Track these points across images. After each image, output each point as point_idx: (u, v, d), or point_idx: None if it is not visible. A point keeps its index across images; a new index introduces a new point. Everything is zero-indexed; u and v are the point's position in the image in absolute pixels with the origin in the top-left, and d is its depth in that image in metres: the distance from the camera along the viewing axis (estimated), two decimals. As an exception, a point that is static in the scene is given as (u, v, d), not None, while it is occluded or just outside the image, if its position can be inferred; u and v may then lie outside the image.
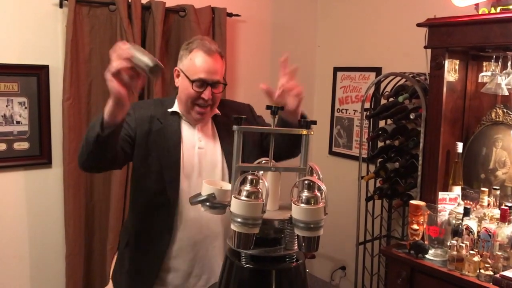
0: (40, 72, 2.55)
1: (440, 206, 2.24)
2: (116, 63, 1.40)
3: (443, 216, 2.14)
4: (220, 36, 2.99)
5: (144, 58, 1.38)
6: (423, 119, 2.48)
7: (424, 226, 2.19)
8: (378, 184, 2.93)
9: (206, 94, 1.68)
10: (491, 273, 1.94)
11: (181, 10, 2.86)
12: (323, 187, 1.23)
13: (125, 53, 1.38)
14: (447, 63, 2.32)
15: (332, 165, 3.59)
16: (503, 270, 1.94)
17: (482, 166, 2.42)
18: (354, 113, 3.47)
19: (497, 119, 2.40)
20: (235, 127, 1.29)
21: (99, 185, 2.72)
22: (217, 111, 1.80)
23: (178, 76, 1.75)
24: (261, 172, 1.29)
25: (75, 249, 2.61)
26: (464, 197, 2.31)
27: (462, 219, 2.13)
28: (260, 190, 1.21)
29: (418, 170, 2.51)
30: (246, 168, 1.30)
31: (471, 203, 2.28)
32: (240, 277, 1.29)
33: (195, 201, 1.39)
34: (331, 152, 3.67)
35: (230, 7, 3.07)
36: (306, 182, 1.23)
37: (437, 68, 2.34)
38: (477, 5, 2.29)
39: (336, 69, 3.59)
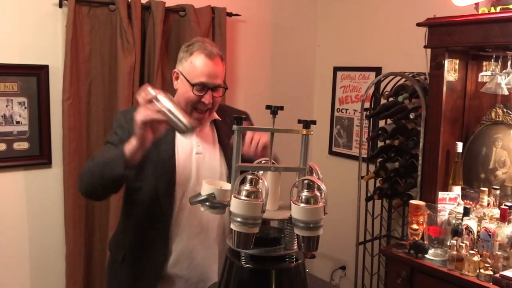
0: (40, 72, 2.55)
1: (440, 206, 2.24)
2: (150, 115, 1.42)
3: (443, 216, 2.14)
4: (220, 36, 2.99)
5: (182, 119, 1.43)
6: (423, 119, 2.48)
7: (424, 226, 2.19)
8: (378, 184, 2.93)
9: (207, 98, 1.65)
10: (491, 272, 1.94)
11: (181, 9, 2.85)
12: (323, 186, 1.23)
13: (162, 107, 1.41)
14: (447, 63, 2.32)
15: (332, 165, 3.59)
16: (503, 270, 1.94)
17: (482, 165, 2.42)
18: (354, 113, 3.47)
19: (497, 119, 2.39)
20: (235, 126, 1.29)
21: (99, 185, 2.72)
22: (216, 115, 1.78)
23: (177, 78, 1.72)
24: (261, 172, 1.29)
25: (75, 249, 2.61)
26: (464, 197, 2.31)
27: (462, 219, 2.14)
28: (260, 190, 1.21)
29: (418, 170, 2.51)
30: (245, 168, 1.30)
31: (471, 203, 2.28)
32: (240, 277, 1.29)
33: (195, 201, 1.39)
34: (331, 152, 3.67)
35: (230, 6, 3.07)
36: (305, 181, 1.23)
37: (437, 67, 2.34)
38: (477, 4, 2.29)
39: (336, 69, 3.59)
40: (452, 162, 2.38)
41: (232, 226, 1.21)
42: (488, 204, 2.21)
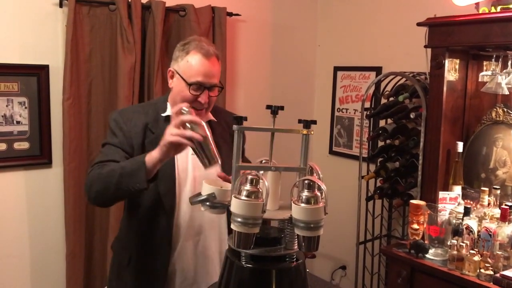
0: (40, 72, 2.55)
1: (440, 206, 2.23)
2: (180, 140, 1.42)
3: (443, 216, 2.14)
4: (220, 36, 2.99)
5: (211, 154, 1.43)
6: (424, 119, 2.48)
7: (425, 225, 2.19)
8: (378, 184, 2.93)
9: (203, 97, 1.65)
10: (491, 272, 1.94)
11: (181, 9, 2.85)
12: (323, 186, 1.23)
13: (195, 135, 1.41)
14: (447, 63, 2.32)
15: (332, 165, 3.59)
16: (503, 270, 1.94)
17: (483, 165, 2.42)
18: (355, 113, 3.47)
19: (498, 119, 2.39)
20: (235, 126, 1.29)
21: (100, 184, 2.72)
22: (211, 116, 1.78)
23: (172, 77, 1.71)
24: (261, 172, 1.29)
25: (75, 248, 2.61)
26: (464, 196, 2.31)
27: (462, 219, 2.13)
28: (260, 190, 1.21)
29: (419, 170, 2.51)
30: (246, 168, 1.30)
31: (471, 202, 2.28)
32: (240, 276, 1.29)
33: (195, 201, 1.39)
34: (331, 152, 3.67)
35: (230, 6, 3.07)
36: (306, 181, 1.23)
37: (437, 67, 2.34)
38: (477, 4, 2.28)
39: (336, 69, 3.59)
40: (452, 162, 2.38)
41: (233, 226, 1.21)
42: (489, 203, 2.21)
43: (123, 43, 2.62)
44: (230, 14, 3.09)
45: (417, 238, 2.20)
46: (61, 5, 2.53)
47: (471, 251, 2.01)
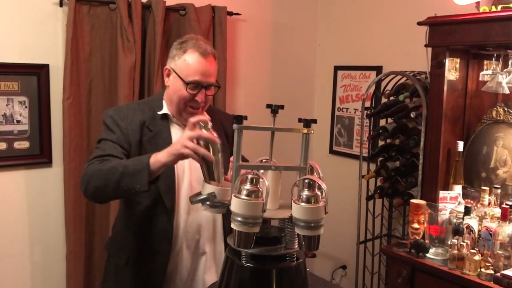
0: (40, 71, 2.55)
1: (440, 205, 2.23)
2: (191, 154, 1.41)
3: (443, 215, 2.14)
4: (221, 35, 2.99)
5: (215, 175, 1.43)
6: (424, 118, 2.48)
7: (425, 225, 2.18)
8: (378, 183, 2.93)
9: (200, 96, 1.65)
10: (492, 272, 1.94)
11: (181, 8, 2.85)
12: (324, 186, 1.23)
13: (206, 154, 1.41)
14: (447, 62, 2.32)
15: (332, 164, 3.59)
16: (504, 269, 1.94)
17: (483, 165, 2.42)
18: (355, 112, 3.47)
19: (498, 118, 2.39)
20: (235, 126, 1.29)
21: (100, 184, 2.72)
22: (206, 115, 1.77)
23: (168, 75, 1.71)
24: (262, 171, 1.29)
25: (75, 248, 2.61)
26: (464, 196, 2.31)
27: (462, 218, 2.13)
28: (260, 189, 1.21)
29: (419, 169, 2.51)
30: (246, 167, 1.30)
31: (471, 202, 2.27)
32: (240, 276, 1.29)
33: (196, 200, 1.39)
34: (331, 151, 3.66)
35: (231, 6, 3.07)
36: (306, 181, 1.23)
37: (437, 66, 2.33)
38: (478, 3, 2.28)
39: (337, 68, 3.58)
40: (453, 161, 2.38)
41: (233, 226, 1.21)
42: (489, 203, 2.20)
43: (123, 43, 2.62)
44: (230, 14, 3.08)
45: (417, 238, 2.20)
46: (61, 5, 2.53)
47: (472, 251, 2.01)
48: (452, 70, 2.36)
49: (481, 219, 2.10)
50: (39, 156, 2.60)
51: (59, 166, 2.63)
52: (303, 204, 1.20)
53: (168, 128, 1.71)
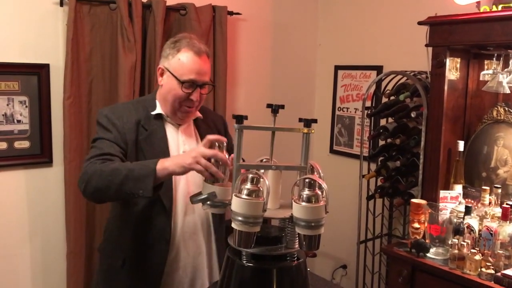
0: (40, 71, 2.55)
1: (441, 205, 2.23)
2: (202, 170, 1.41)
3: (444, 215, 2.14)
4: (221, 35, 2.99)
5: (216, 191, 1.40)
6: (424, 118, 2.48)
7: (425, 224, 2.18)
8: (379, 183, 2.93)
9: (195, 95, 1.65)
10: (493, 271, 1.94)
11: (182, 8, 2.85)
12: (324, 185, 1.23)
13: (219, 177, 1.41)
14: (448, 61, 2.31)
15: (333, 164, 3.59)
16: (504, 269, 1.94)
17: (484, 164, 2.42)
18: (355, 112, 3.47)
19: (499, 118, 2.39)
20: (235, 125, 1.29)
21: (100, 184, 2.72)
22: (199, 114, 1.78)
23: (162, 74, 1.70)
24: (262, 171, 1.29)
25: (76, 247, 2.61)
26: (465, 195, 2.31)
27: (463, 218, 2.13)
28: (261, 189, 1.21)
29: (419, 169, 2.51)
30: (246, 166, 1.30)
31: (472, 201, 2.27)
32: (241, 275, 1.29)
33: (197, 200, 1.39)
34: (332, 151, 3.66)
35: (231, 5, 3.07)
36: (307, 180, 1.23)
37: (438, 66, 2.33)
38: (478, 3, 2.28)
39: (337, 68, 3.58)
40: (453, 161, 2.38)
41: (233, 225, 1.21)
42: (490, 202, 2.20)
43: (123, 42, 2.62)
44: (231, 13, 3.08)
45: (418, 237, 2.20)
46: (61, 4, 2.53)
47: (472, 250, 2.01)
48: (452, 69, 2.36)
49: (481, 218, 2.10)
50: (39, 155, 2.60)
51: (60, 166, 2.63)
52: (303, 203, 1.20)
53: (163, 128, 1.70)
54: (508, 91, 2.22)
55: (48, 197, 2.65)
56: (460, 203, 2.25)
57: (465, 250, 2.01)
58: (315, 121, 1.33)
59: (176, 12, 2.85)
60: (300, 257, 1.34)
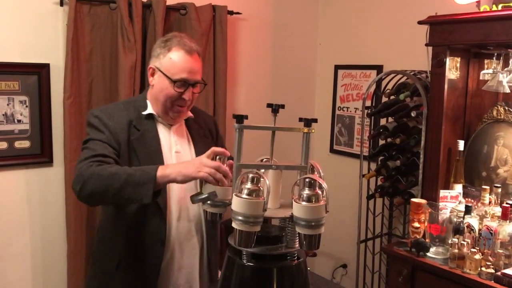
0: (41, 71, 2.55)
1: (441, 204, 2.23)
2: (208, 179, 1.40)
3: (444, 214, 2.14)
4: (221, 34, 2.99)
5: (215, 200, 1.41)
6: (424, 117, 2.48)
7: (425, 224, 2.19)
8: (379, 182, 2.93)
9: (187, 95, 1.63)
10: (493, 271, 1.94)
11: (182, 8, 2.85)
12: (324, 185, 1.23)
13: (223, 183, 1.40)
14: (448, 61, 2.31)
15: (333, 163, 3.59)
16: (504, 268, 1.94)
17: (484, 164, 2.42)
18: (355, 111, 3.47)
19: (499, 117, 2.39)
20: (236, 125, 1.29)
21: (100, 183, 2.72)
22: (190, 113, 1.76)
23: (153, 74, 1.68)
24: (262, 170, 1.29)
25: (76, 247, 2.61)
26: (465, 195, 2.31)
27: (463, 217, 2.13)
28: (261, 188, 1.21)
29: (419, 168, 2.51)
30: (247, 166, 1.30)
31: (472, 201, 2.27)
32: (241, 275, 1.29)
33: (197, 199, 1.39)
34: (332, 150, 3.66)
35: (231, 5, 3.07)
36: (307, 180, 1.23)
37: (438, 65, 2.33)
38: (478, 2, 2.28)
39: (337, 67, 3.58)
40: (453, 160, 2.38)
41: (234, 225, 1.21)
42: (490, 202, 2.20)
43: (123, 42, 2.62)
44: (231, 13, 3.08)
45: (418, 237, 2.20)
46: (61, 4, 2.53)
47: (472, 250, 2.01)
48: (452, 69, 2.36)
49: (481, 218, 2.11)
50: (40, 155, 2.60)
51: (60, 166, 2.63)
52: (304, 203, 1.21)
53: (155, 128, 1.69)
54: (508, 91, 2.22)
55: (49, 197, 2.65)
56: (460, 202, 2.25)
57: (465, 250, 2.01)
58: (315, 120, 1.33)
59: (176, 12, 2.85)
60: (300, 256, 1.34)
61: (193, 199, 1.41)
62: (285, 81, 3.57)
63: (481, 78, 2.34)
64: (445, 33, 2.27)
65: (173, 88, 1.62)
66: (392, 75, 2.89)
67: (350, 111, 3.52)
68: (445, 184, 2.39)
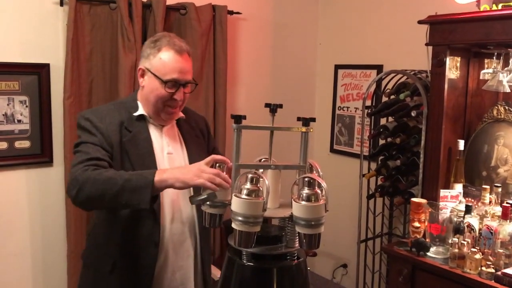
0: (41, 71, 2.55)
1: (441, 204, 2.23)
2: (209, 185, 1.37)
3: (444, 214, 2.14)
4: (221, 34, 2.99)
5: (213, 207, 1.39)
6: (425, 117, 2.47)
7: (426, 223, 2.18)
8: (379, 182, 2.93)
9: (179, 95, 1.61)
10: (493, 270, 1.94)
11: (182, 8, 2.85)
12: (323, 184, 1.23)
13: (224, 186, 1.38)
14: (448, 60, 2.31)
15: (333, 163, 3.59)
16: (504, 268, 1.94)
17: (484, 163, 2.42)
18: (355, 111, 3.47)
19: (499, 117, 2.39)
20: (234, 125, 1.29)
21: (101, 183, 2.72)
22: (181, 114, 1.74)
23: (143, 75, 1.65)
24: (261, 170, 1.29)
25: (76, 247, 2.61)
26: (465, 194, 2.31)
27: (463, 217, 2.13)
28: (261, 188, 1.21)
29: (420, 168, 2.51)
30: (245, 166, 1.30)
31: (472, 200, 2.27)
32: (241, 275, 1.29)
33: (196, 200, 1.39)
34: (332, 150, 3.66)
35: (231, 5, 3.07)
36: (306, 179, 1.23)
37: (438, 65, 2.33)
38: (478, 2, 2.28)
39: (337, 67, 3.58)
40: (453, 160, 2.38)
41: (233, 225, 1.21)
42: (490, 201, 2.20)
43: (123, 42, 2.62)
44: (231, 13, 3.08)
45: (418, 236, 2.20)
46: (61, 4, 2.53)
47: (473, 249, 2.01)
48: (452, 68, 2.36)
49: (482, 217, 2.10)
50: (40, 155, 2.60)
51: (60, 166, 2.63)
52: (303, 202, 1.20)
53: (147, 129, 1.67)
54: (508, 90, 2.22)
55: (49, 197, 2.65)
56: (460, 202, 2.25)
57: (465, 249, 2.01)
58: (313, 119, 1.32)
59: (176, 12, 2.85)
60: (300, 256, 1.34)
61: (192, 199, 1.41)
62: (285, 81, 3.57)
63: (481, 77, 2.33)
64: (445, 32, 2.27)
65: (164, 89, 1.60)
66: (392, 74, 2.89)
67: (350, 111, 3.51)
68: (445, 184, 2.39)
